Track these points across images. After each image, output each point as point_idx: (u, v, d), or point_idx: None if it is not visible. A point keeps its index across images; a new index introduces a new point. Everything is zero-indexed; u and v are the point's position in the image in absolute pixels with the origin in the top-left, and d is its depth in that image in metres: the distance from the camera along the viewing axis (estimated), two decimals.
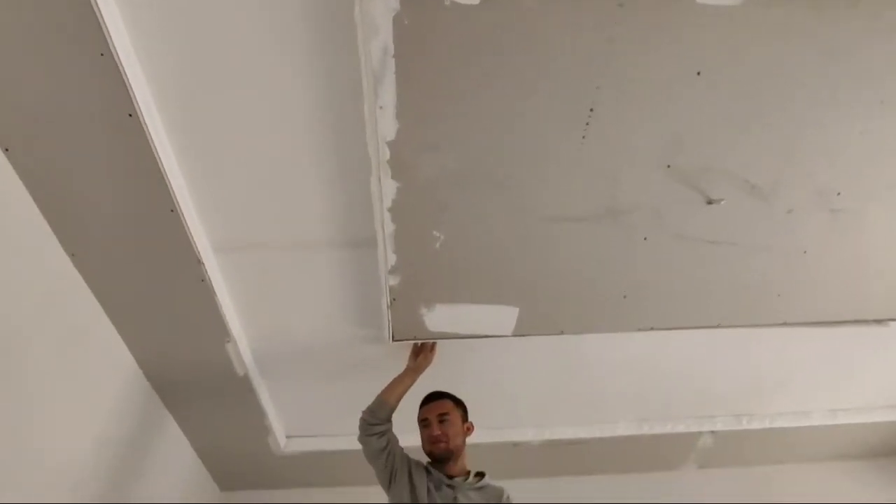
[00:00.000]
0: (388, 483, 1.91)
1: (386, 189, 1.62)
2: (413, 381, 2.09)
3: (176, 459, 2.51)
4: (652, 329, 2.14)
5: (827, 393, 2.65)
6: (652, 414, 2.66)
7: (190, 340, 2.04)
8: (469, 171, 1.62)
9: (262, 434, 2.52)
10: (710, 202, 1.74)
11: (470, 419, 2.43)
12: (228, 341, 2.04)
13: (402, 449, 1.99)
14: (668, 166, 1.64)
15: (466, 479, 1.91)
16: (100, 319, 1.90)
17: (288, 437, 2.66)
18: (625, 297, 2.01)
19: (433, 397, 2.02)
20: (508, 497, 1.87)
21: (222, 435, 2.53)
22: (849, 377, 2.57)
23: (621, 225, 1.78)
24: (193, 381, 2.22)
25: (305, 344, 2.20)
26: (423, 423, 1.96)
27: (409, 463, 1.94)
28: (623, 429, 2.67)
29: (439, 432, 1.91)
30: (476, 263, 1.84)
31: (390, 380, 2.07)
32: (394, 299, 1.93)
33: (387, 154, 1.54)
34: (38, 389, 1.70)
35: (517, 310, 2.01)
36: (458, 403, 2.03)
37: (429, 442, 1.92)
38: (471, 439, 2.62)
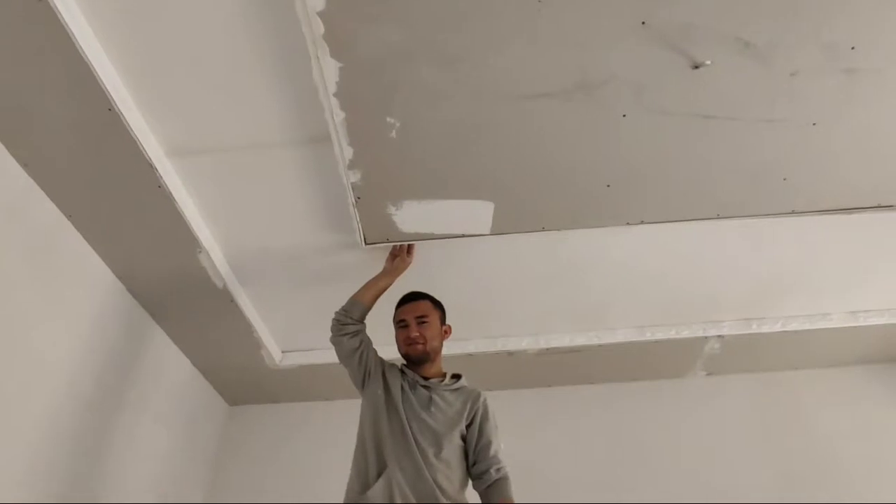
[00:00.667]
0: (362, 384, 1.88)
1: (327, 70, 1.49)
2: (389, 283, 2.03)
3: (176, 375, 2.57)
4: (642, 223, 1.99)
5: (847, 292, 2.45)
6: (654, 319, 2.54)
7: (161, 251, 2.02)
8: (416, 45, 1.46)
9: (255, 348, 2.54)
10: (695, 66, 1.53)
11: (460, 328, 2.37)
12: (200, 251, 2.01)
13: (376, 351, 1.95)
14: (643, 23, 1.43)
15: (442, 380, 1.86)
16: (66, 230, 1.89)
17: (284, 351, 2.68)
18: (608, 186, 1.84)
19: (411, 297, 1.95)
20: (485, 399, 1.82)
21: (216, 350, 2.57)
22: (872, 273, 2.35)
23: (596, 101, 1.59)
24: (176, 294, 2.23)
25: (281, 253, 2.16)
26: (401, 323, 1.91)
27: (383, 364, 1.91)
28: (623, 335, 2.56)
29: (417, 334, 1.85)
30: (439, 152, 1.71)
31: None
32: (358, 198, 1.84)
33: (320, 27, 1.40)
34: (9, 301, 1.71)
35: (492, 205, 1.89)
36: (437, 305, 1.96)
37: (405, 343, 1.87)
38: (464, 349, 2.61)
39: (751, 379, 2.82)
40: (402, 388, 1.81)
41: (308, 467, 2.75)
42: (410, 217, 1.92)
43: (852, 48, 1.52)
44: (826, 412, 2.70)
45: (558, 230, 1.98)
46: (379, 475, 1.65)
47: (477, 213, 1.91)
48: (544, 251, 2.18)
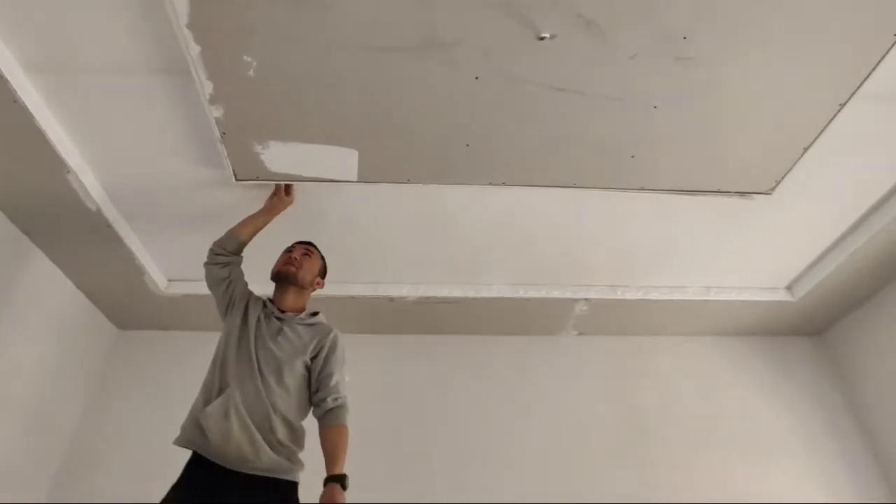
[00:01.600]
0: (225, 312, 1.98)
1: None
2: (266, 221, 2.11)
3: (56, 296, 2.59)
4: (504, 184, 2.10)
5: (703, 269, 2.66)
6: (526, 278, 2.70)
7: (28, 169, 2.00)
8: None
9: (138, 274, 2.57)
10: (540, 38, 1.61)
11: (344, 271, 2.50)
12: (69, 172, 2.01)
13: (247, 285, 2.04)
14: None
15: (297, 315, 1.97)
16: None
17: (171, 280, 2.73)
18: (468, 145, 1.94)
19: (308, 242, 2.11)
20: (336, 335, 1.93)
21: (99, 274, 2.58)
22: (724, 253, 2.56)
23: (447, 60, 1.66)
24: (50, 215, 2.22)
25: (159, 183, 2.18)
26: (287, 249, 2.06)
27: (249, 296, 2.00)
28: (497, 291, 2.72)
29: (297, 257, 2.00)
30: (297, 96, 1.75)
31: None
32: (224, 133, 1.87)
33: None
34: None
35: (356, 153, 1.96)
36: (324, 261, 2.12)
37: (281, 262, 2.01)
38: (347, 291, 2.72)
39: (616, 341, 3.05)
40: (259, 318, 1.92)
41: (191, 395, 2.85)
42: (278, 157, 1.97)
43: (684, 38, 1.63)
44: (676, 375, 2.96)
45: (424, 184, 2.08)
46: (220, 394, 1.77)
47: (343, 160, 1.98)
48: (421, 203, 2.27)
